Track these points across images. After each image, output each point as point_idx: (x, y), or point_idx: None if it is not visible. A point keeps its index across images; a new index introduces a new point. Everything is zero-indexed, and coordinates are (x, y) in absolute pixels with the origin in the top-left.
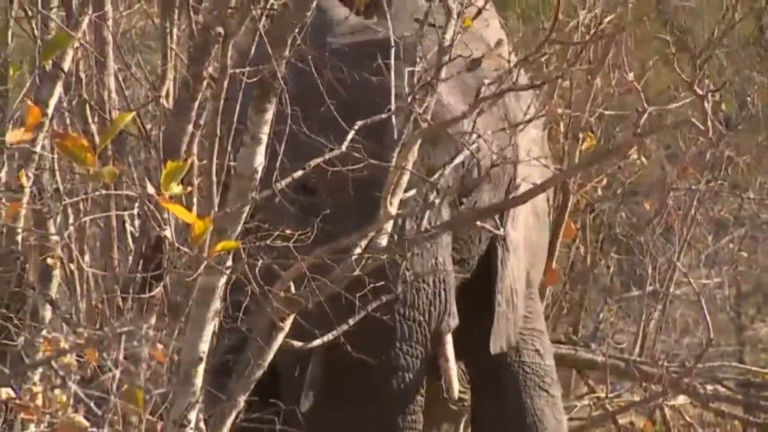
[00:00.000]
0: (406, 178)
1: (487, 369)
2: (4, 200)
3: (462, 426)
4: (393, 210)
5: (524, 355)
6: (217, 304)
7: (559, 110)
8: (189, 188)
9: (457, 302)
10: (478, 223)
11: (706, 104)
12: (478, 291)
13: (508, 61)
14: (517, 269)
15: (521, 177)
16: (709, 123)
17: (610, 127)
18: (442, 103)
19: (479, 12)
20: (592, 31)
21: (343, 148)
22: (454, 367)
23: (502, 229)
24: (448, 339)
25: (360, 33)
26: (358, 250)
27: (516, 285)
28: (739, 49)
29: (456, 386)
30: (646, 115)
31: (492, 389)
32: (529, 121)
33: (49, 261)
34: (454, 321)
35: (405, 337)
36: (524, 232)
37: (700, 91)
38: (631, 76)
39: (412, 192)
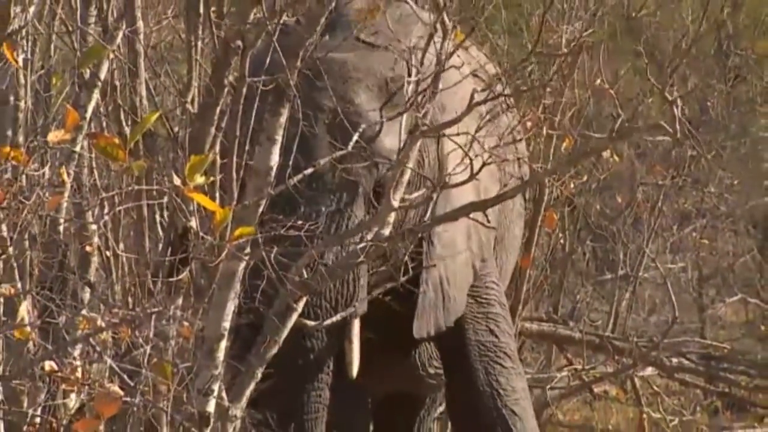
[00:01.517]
0: (407, 175)
1: (451, 349)
2: (47, 194)
3: (439, 396)
4: (395, 204)
5: (479, 335)
6: (237, 287)
7: (541, 115)
8: (211, 179)
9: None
10: (472, 215)
11: (675, 109)
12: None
13: (497, 73)
14: (453, 263)
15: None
16: (678, 126)
17: (585, 129)
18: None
19: (473, 29)
20: (572, 45)
21: (349, 148)
22: (356, 349)
23: (494, 224)
24: (355, 323)
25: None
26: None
27: (450, 275)
28: (700, 59)
29: (356, 365)
30: (619, 121)
31: (457, 365)
32: (518, 124)
33: (88, 248)
34: (361, 307)
35: (311, 320)
36: (466, 231)
37: (670, 97)
38: (606, 84)
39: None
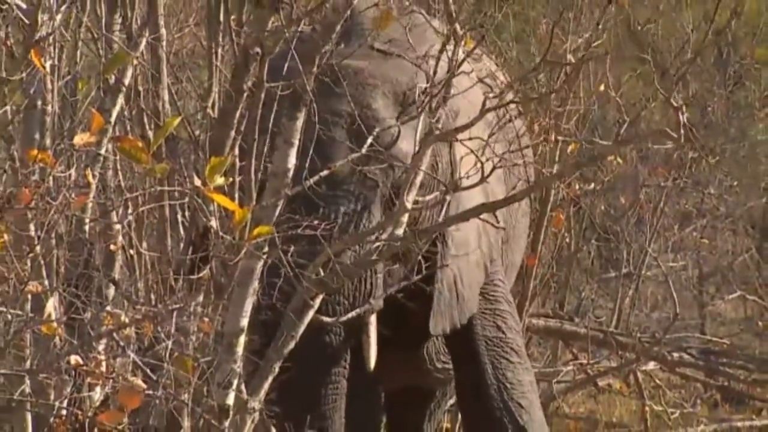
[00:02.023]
0: (419, 177)
1: (459, 344)
2: (73, 195)
3: (448, 390)
4: (409, 205)
5: (487, 330)
6: (255, 284)
7: (548, 121)
8: (231, 180)
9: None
10: (482, 216)
11: (680, 115)
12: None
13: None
14: (466, 263)
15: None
16: (682, 131)
17: (590, 134)
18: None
19: (482, 38)
20: (581, 55)
21: (364, 150)
22: (374, 343)
23: (503, 224)
24: (371, 319)
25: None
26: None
27: (462, 275)
28: (701, 66)
29: (373, 359)
30: (624, 126)
31: (465, 360)
32: (526, 130)
33: (112, 247)
34: (378, 304)
35: (329, 316)
36: (477, 232)
37: (675, 104)
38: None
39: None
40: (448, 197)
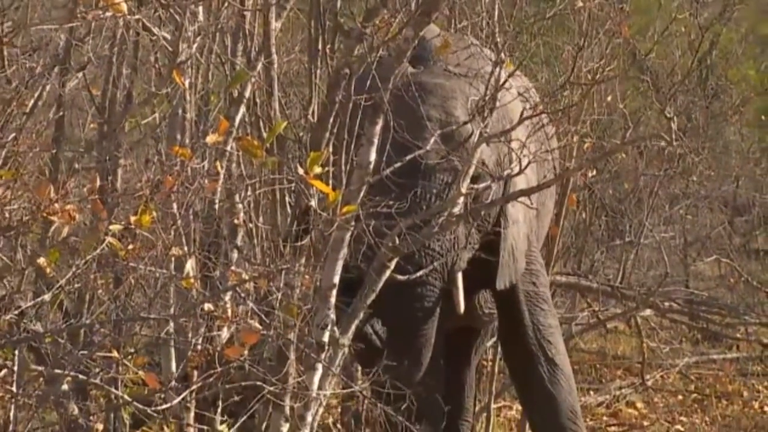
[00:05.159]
0: (471, 169)
1: (504, 296)
2: (206, 181)
3: (491, 328)
4: (463, 190)
5: (525, 285)
6: (344, 250)
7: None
8: (326, 170)
9: (478, 256)
10: (520, 200)
11: (671, 122)
12: (493, 248)
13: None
14: (517, 234)
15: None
16: (672, 134)
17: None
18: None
19: (520, 63)
20: (596, 76)
21: (428, 147)
22: (461, 293)
23: (536, 205)
24: (459, 276)
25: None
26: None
27: (517, 244)
28: (687, 85)
29: (462, 305)
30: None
31: (508, 308)
32: (553, 134)
33: (236, 221)
34: (462, 263)
35: (428, 269)
36: (524, 211)
37: (667, 114)
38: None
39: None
40: (493, 185)
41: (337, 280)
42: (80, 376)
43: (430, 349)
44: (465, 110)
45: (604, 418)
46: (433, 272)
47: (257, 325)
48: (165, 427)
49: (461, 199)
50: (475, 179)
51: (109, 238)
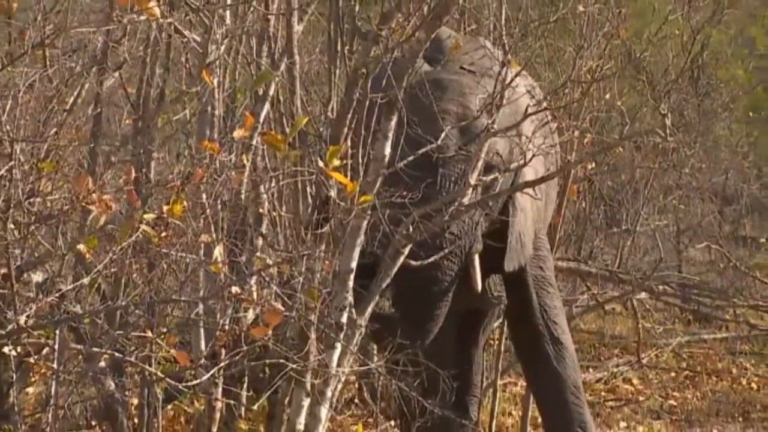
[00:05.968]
0: (481, 161)
1: (513, 279)
2: (233, 173)
3: (497, 310)
4: (472, 182)
5: (533, 270)
6: (361, 237)
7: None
8: (344, 162)
9: (489, 240)
10: (525, 191)
11: (666, 120)
12: (501, 234)
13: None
14: (524, 221)
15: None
16: (666, 129)
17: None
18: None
19: (526, 63)
20: (594, 75)
21: (439, 142)
22: (478, 273)
23: (540, 195)
24: (476, 257)
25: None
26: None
27: (524, 230)
28: (680, 84)
29: (479, 284)
30: (627, 127)
31: (517, 290)
32: (556, 128)
33: (261, 210)
34: (479, 245)
35: (448, 249)
36: (531, 199)
37: (662, 110)
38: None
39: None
40: (504, 176)
41: (354, 265)
42: (116, 354)
43: (439, 325)
44: (479, 104)
45: (602, 393)
46: (450, 255)
47: (280, 307)
48: (195, 401)
49: (471, 190)
50: (490, 169)
51: (143, 226)
